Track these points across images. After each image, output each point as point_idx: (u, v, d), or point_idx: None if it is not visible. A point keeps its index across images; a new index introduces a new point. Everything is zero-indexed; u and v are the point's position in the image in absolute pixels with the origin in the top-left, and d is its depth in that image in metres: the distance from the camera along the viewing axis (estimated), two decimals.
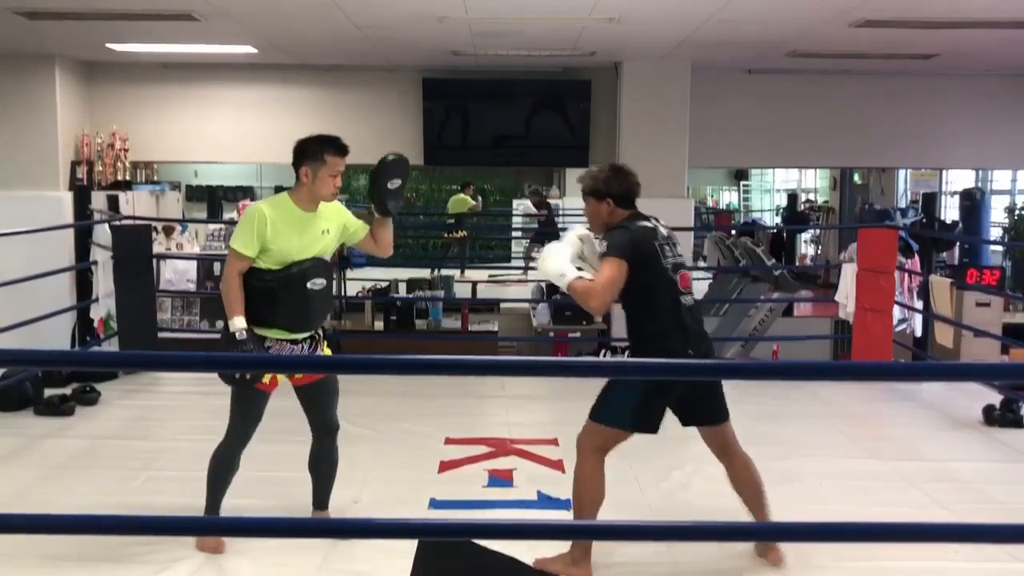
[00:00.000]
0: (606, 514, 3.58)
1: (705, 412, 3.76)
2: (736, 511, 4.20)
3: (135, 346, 6.61)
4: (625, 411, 3.62)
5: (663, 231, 3.72)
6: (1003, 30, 6.23)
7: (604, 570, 3.58)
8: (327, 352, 4.01)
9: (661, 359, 3.47)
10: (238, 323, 3.63)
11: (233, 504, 4.25)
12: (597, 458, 3.67)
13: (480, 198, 14.82)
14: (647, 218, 3.74)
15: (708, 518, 3.57)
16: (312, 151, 3.69)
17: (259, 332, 3.70)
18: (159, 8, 5.82)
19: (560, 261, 3.63)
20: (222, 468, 3.82)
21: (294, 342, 3.76)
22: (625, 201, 3.74)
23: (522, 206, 15.78)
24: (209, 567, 3.67)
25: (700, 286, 10.34)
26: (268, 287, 3.64)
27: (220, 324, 8.33)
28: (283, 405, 4.31)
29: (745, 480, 3.76)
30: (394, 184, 3.82)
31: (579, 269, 3.63)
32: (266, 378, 3.69)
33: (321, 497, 4.03)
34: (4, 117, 7.79)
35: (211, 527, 3.02)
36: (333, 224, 3.82)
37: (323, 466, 3.99)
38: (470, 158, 8.96)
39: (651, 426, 3.68)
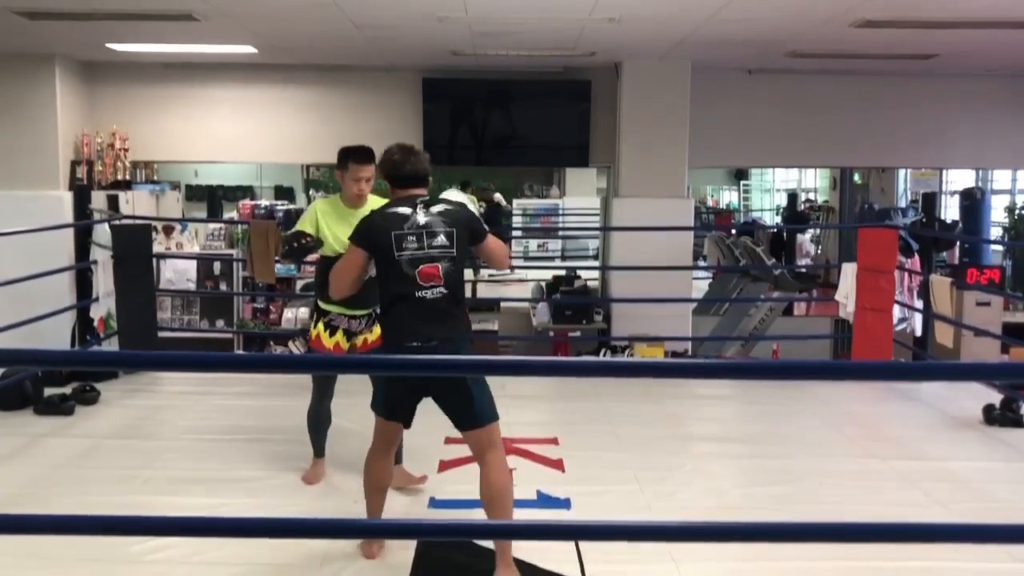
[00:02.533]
0: (606, 514, 3.56)
1: (452, 413, 3.60)
2: (736, 511, 4.20)
3: (135, 346, 6.61)
4: (379, 398, 3.68)
5: (423, 219, 3.57)
6: (1003, 30, 6.23)
7: (605, 568, 3.58)
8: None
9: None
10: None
11: (233, 503, 4.27)
12: (376, 445, 3.71)
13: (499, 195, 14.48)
14: (413, 203, 3.61)
15: (708, 518, 3.57)
16: (341, 159, 4.38)
17: (323, 307, 4.38)
18: (159, 8, 5.82)
19: None
20: (314, 421, 4.57)
21: (353, 317, 4.38)
22: (396, 181, 3.68)
23: (522, 206, 15.74)
24: (209, 567, 3.68)
25: (700, 285, 10.36)
26: (325, 269, 4.20)
27: (221, 323, 8.41)
28: (272, 405, 4.31)
29: (486, 486, 3.54)
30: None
31: None
32: (330, 343, 4.35)
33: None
34: (4, 117, 7.77)
35: (213, 527, 3.01)
36: None
37: None
38: (470, 158, 8.93)
39: (399, 416, 3.67)
